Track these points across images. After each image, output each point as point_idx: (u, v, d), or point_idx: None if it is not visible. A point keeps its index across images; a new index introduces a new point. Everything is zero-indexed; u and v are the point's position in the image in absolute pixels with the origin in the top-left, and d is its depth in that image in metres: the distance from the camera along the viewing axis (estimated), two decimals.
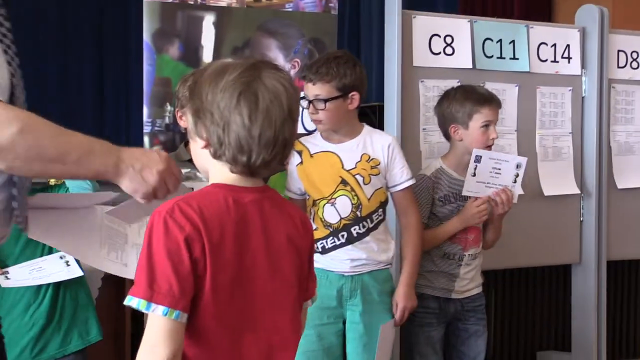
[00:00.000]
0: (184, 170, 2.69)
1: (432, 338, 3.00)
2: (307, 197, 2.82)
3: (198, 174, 2.71)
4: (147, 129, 3.27)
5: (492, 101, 2.98)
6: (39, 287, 2.75)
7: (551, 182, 3.81)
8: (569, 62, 3.89)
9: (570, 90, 3.89)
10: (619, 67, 4.02)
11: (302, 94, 2.74)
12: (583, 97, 3.92)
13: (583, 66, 3.92)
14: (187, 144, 2.78)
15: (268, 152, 1.53)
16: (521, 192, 3.10)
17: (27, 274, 2.67)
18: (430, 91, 3.50)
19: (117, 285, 3.28)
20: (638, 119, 4.09)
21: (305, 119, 3.50)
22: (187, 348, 1.49)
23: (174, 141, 3.26)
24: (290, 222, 1.65)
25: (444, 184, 2.98)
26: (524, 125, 3.77)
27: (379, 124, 3.63)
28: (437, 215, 3.00)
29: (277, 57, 3.44)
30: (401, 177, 2.85)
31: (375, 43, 4.71)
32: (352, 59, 2.78)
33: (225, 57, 3.32)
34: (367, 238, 2.77)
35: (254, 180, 1.59)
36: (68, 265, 2.69)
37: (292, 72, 3.46)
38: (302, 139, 2.89)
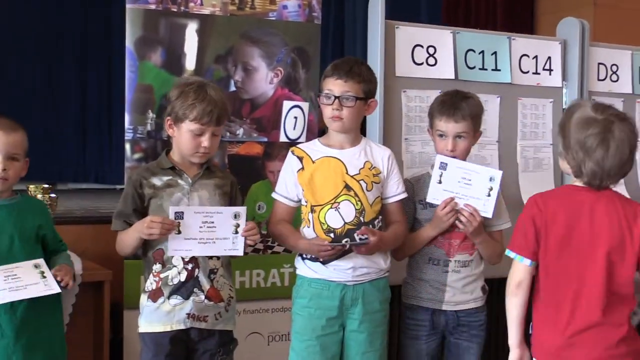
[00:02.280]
0: (164, 178, 2.70)
1: (421, 351, 2.97)
2: (305, 204, 2.82)
3: (179, 180, 2.69)
4: (128, 135, 3.25)
5: (447, 113, 2.91)
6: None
7: (532, 192, 3.79)
8: (550, 74, 3.93)
9: (551, 101, 3.93)
10: (599, 79, 4.07)
11: (325, 91, 2.77)
12: (564, 109, 3.94)
13: (564, 78, 3.96)
14: (168, 152, 2.77)
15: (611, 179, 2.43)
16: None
17: (1, 281, 2.50)
18: (412, 101, 3.52)
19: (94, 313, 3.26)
20: None
21: (288, 128, 3.51)
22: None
23: (156, 148, 3.24)
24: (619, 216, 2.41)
25: (427, 189, 2.95)
26: (505, 136, 3.79)
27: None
28: (419, 220, 3.00)
29: (260, 65, 3.43)
30: (397, 189, 2.89)
31: (359, 53, 4.72)
32: (372, 69, 2.91)
33: (208, 65, 3.34)
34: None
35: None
36: (44, 277, 2.60)
37: (275, 80, 3.44)
38: (300, 146, 2.91)
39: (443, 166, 2.87)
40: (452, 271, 2.95)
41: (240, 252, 2.65)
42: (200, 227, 2.61)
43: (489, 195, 2.86)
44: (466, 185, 2.86)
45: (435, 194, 2.89)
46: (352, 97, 2.75)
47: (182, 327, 2.67)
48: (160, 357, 2.67)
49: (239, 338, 2.90)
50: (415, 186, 3.01)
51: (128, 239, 2.69)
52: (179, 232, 2.59)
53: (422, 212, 2.99)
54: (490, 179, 2.86)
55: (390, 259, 2.91)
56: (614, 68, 4.11)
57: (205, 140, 2.69)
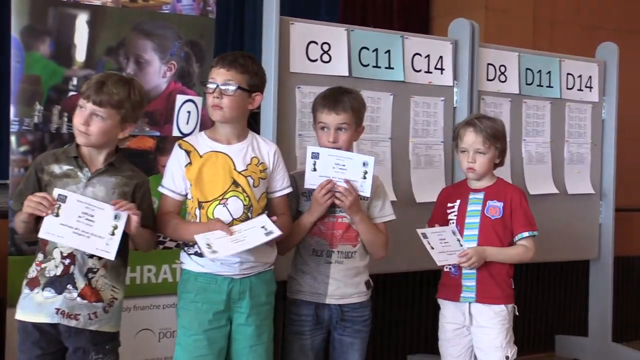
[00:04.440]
0: (64, 167, 2.63)
1: (305, 346, 3.01)
2: (191, 199, 2.80)
3: (79, 172, 2.64)
4: (14, 128, 3.14)
5: (329, 105, 2.98)
6: None
7: (423, 189, 3.92)
8: (441, 73, 4.03)
9: (442, 100, 4.02)
10: (488, 79, 4.20)
11: (209, 80, 2.77)
12: (455, 108, 4.07)
13: (455, 77, 4.05)
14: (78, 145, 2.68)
15: None
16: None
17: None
18: (306, 97, 3.55)
19: None
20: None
21: (181, 122, 3.46)
22: None
23: (43, 141, 3.15)
24: None
25: None
26: (398, 133, 3.87)
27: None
28: (303, 212, 3.02)
29: (153, 58, 3.38)
30: (282, 184, 2.94)
31: (258, 49, 4.70)
32: (261, 65, 2.92)
33: (99, 57, 3.26)
34: None
35: None
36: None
37: (168, 74, 3.39)
38: (187, 139, 2.89)
39: (315, 155, 2.95)
40: (335, 262, 3.00)
41: (112, 256, 2.59)
42: (79, 217, 2.56)
43: (364, 177, 2.95)
44: (341, 170, 2.94)
45: (311, 180, 2.96)
46: (233, 86, 2.75)
47: (49, 320, 2.61)
48: (28, 344, 2.62)
49: (129, 335, 2.86)
50: (298, 180, 3.06)
51: (19, 215, 2.64)
52: (57, 215, 2.52)
53: (306, 203, 3.04)
54: (364, 164, 2.95)
55: (275, 252, 2.93)
56: (502, 69, 4.25)
57: (79, 116, 2.60)
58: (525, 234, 3.24)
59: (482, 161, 3.22)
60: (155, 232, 2.83)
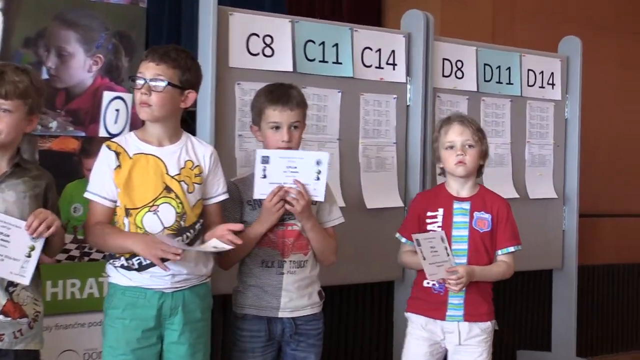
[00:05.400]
0: None
1: None
2: (119, 205, 2.75)
3: None
4: None
5: (282, 101, 2.98)
6: None
7: (374, 194, 3.92)
8: (394, 68, 4.03)
9: (395, 98, 4.03)
10: (444, 75, 4.22)
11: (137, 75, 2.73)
12: (408, 106, 4.07)
13: (408, 73, 4.06)
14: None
15: None
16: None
17: None
18: (247, 94, 3.52)
19: None
20: None
21: (109, 121, 3.41)
22: None
23: None
24: None
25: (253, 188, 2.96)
26: (346, 133, 3.87)
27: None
28: (248, 222, 2.99)
29: (77, 51, 3.31)
30: (218, 189, 2.90)
31: (196, 42, 4.65)
32: (196, 60, 2.89)
33: (15, 49, 3.19)
34: (187, 252, 2.73)
35: None
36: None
37: (95, 69, 3.34)
38: (116, 140, 2.84)
39: (265, 160, 2.91)
40: (287, 273, 2.99)
41: (27, 281, 2.51)
42: None
43: (317, 179, 2.94)
44: (293, 173, 2.92)
45: (261, 189, 2.92)
46: (163, 82, 2.71)
47: None
48: None
49: (51, 357, 2.80)
50: (241, 187, 3.03)
51: None
52: None
53: (251, 212, 3.00)
54: (317, 163, 2.94)
55: (212, 263, 2.89)
56: (459, 64, 4.28)
57: None
58: (511, 248, 3.28)
59: (473, 154, 3.22)
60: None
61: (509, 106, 4.48)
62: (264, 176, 2.90)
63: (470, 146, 3.22)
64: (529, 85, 4.57)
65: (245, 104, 3.49)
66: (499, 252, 3.27)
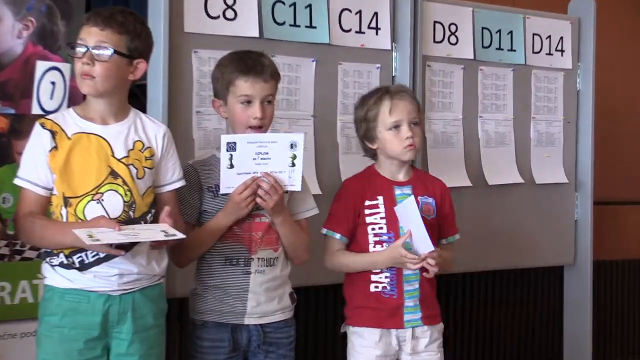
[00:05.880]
0: None
1: None
2: (56, 194, 2.74)
3: None
4: None
5: (254, 71, 2.98)
6: None
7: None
8: (377, 33, 4.06)
9: (378, 67, 4.05)
10: (435, 41, 4.23)
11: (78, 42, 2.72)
12: (394, 77, 4.09)
13: (394, 39, 4.07)
14: None
15: None
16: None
17: None
18: (205, 64, 3.54)
19: None
20: (457, 104, 4.30)
21: (43, 96, 3.41)
22: None
23: None
24: None
25: (217, 173, 2.97)
26: (322, 109, 3.89)
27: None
28: (208, 212, 3.00)
29: (4, 14, 3.30)
30: (173, 175, 2.90)
31: (145, 2, 4.65)
32: (147, 25, 2.88)
33: None
34: (139, 246, 2.74)
35: None
36: None
37: (25, 34, 3.34)
38: (52, 117, 2.82)
39: (231, 146, 2.90)
40: (255, 272, 3.00)
41: None
42: None
43: (292, 165, 2.94)
44: (264, 160, 2.92)
45: (229, 183, 2.92)
46: (108, 50, 2.71)
47: None
48: None
49: None
50: (201, 171, 3.03)
51: None
52: None
53: (212, 201, 3.01)
54: (292, 146, 2.94)
55: (166, 261, 2.90)
56: (453, 28, 4.30)
57: None
58: (457, 236, 3.35)
59: (419, 133, 3.25)
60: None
61: (511, 76, 4.52)
62: (231, 166, 2.90)
63: (415, 124, 3.23)
64: (534, 52, 4.60)
65: (204, 75, 3.50)
66: (444, 240, 3.31)
